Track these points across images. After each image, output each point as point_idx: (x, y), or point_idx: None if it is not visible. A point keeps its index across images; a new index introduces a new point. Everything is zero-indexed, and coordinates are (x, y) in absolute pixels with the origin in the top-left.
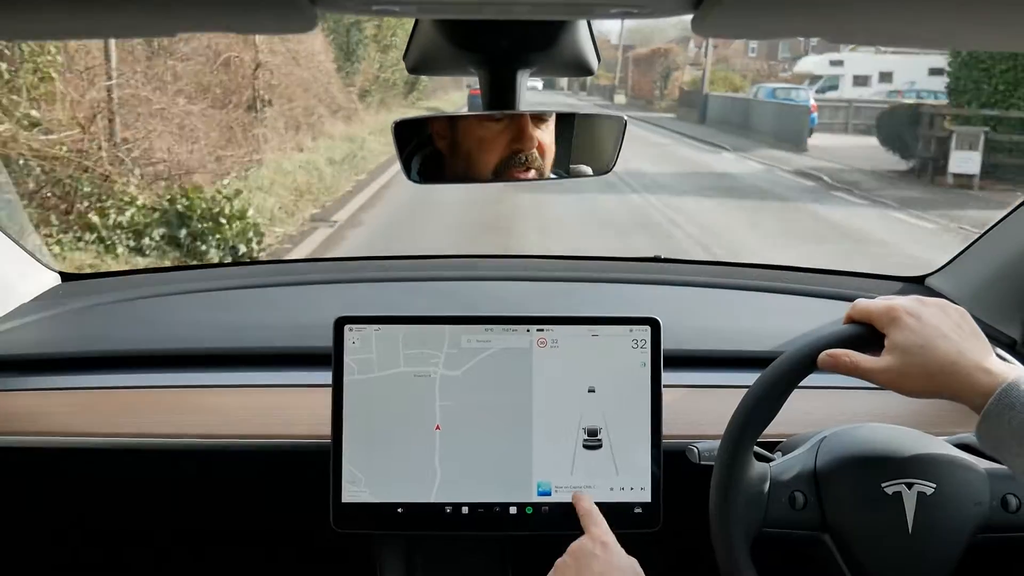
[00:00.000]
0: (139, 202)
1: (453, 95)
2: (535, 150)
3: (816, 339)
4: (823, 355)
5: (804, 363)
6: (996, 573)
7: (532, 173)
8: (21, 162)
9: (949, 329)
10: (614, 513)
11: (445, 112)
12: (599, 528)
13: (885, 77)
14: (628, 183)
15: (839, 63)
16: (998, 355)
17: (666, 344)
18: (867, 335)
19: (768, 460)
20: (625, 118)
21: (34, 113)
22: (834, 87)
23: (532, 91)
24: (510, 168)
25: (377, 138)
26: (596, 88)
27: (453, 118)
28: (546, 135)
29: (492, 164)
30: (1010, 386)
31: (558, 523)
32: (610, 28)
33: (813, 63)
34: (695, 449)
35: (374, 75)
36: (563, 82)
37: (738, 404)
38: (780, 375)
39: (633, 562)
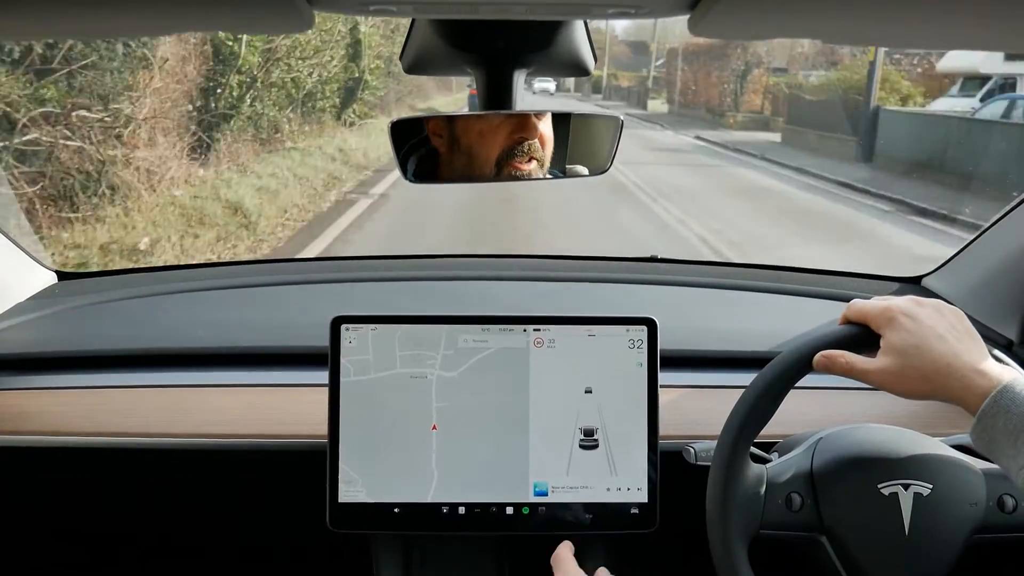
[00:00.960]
0: None
1: (437, 100)
2: (536, 140)
3: (811, 340)
4: (819, 356)
5: (800, 364)
6: (992, 573)
7: (533, 164)
8: None
9: (945, 330)
10: (611, 514)
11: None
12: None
13: None
14: None
15: (1018, 57)
16: (994, 356)
17: (663, 344)
18: (863, 336)
19: (765, 461)
20: (621, 118)
21: None
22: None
23: (543, 94)
24: (512, 159)
25: None
26: (616, 91)
27: (452, 116)
28: (546, 127)
29: (494, 156)
30: (1005, 388)
31: (555, 523)
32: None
33: (980, 60)
34: (691, 449)
35: (237, 85)
36: (569, 83)
37: (734, 405)
38: (776, 376)
39: None
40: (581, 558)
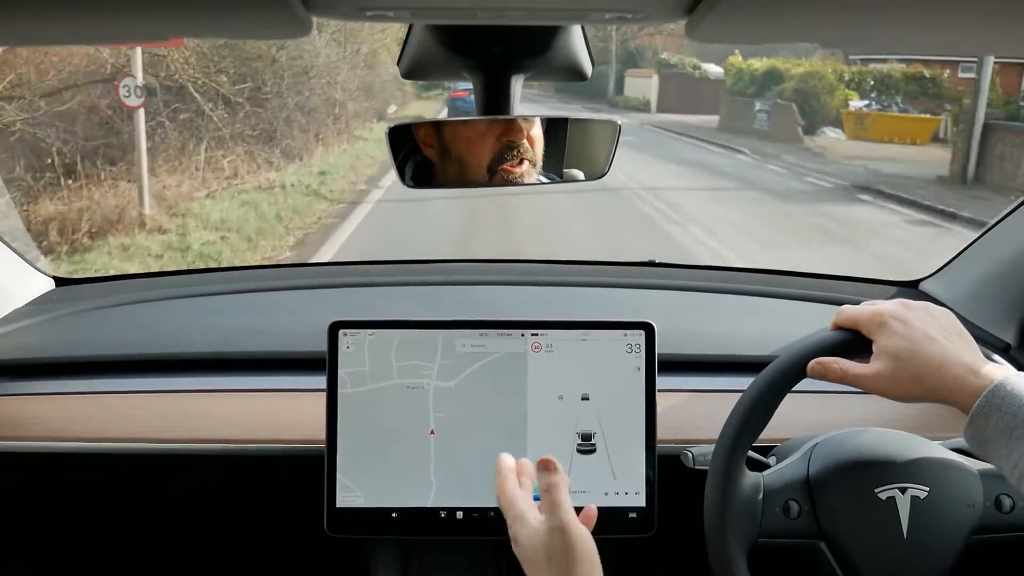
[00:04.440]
0: None
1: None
2: (526, 141)
3: (805, 347)
4: (813, 363)
5: (794, 371)
6: (992, 574)
7: (525, 166)
8: None
9: (936, 332)
10: (609, 518)
11: None
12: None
13: None
14: None
15: None
16: (986, 355)
17: (660, 348)
18: (855, 341)
19: (763, 466)
20: (619, 122)
21: None
22: None
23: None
24: (503, 163)
25: None
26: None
27: (439, 124)
28: (533, 128)
29: (485, 161)
30: (997, 386)
31: None
32: None
33: None
34: (689, 454)
35: None
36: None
37: (729, 414)
38: (769, 384)
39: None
40: None
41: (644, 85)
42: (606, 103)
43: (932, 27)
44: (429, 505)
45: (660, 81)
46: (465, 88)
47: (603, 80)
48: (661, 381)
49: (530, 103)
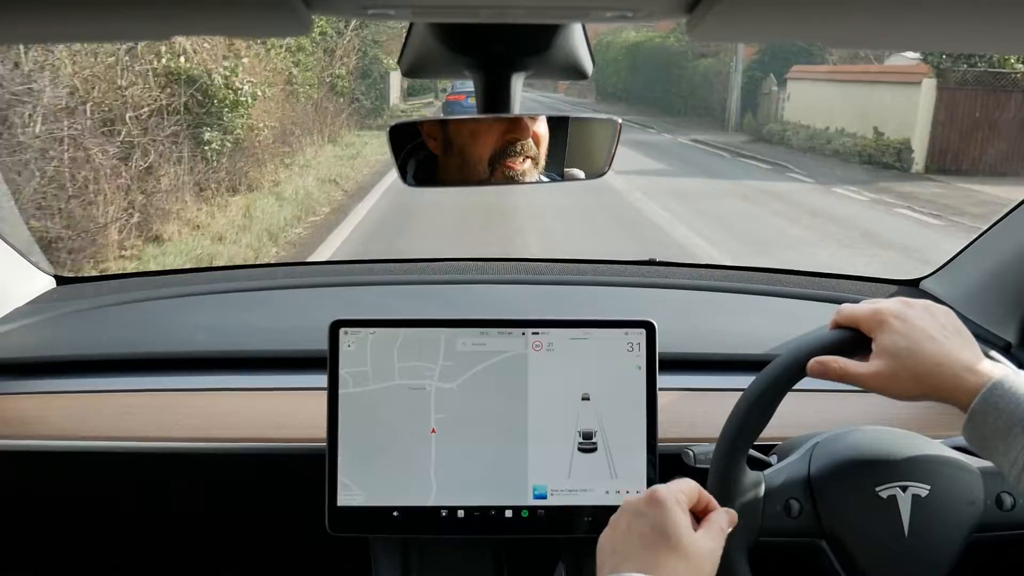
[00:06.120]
0: None
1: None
2: (530, 139)
3: (804, 346)
4: (812, 362)
5: (793, 370)
6: (993, 572)
7: (528, 164)
8: None
9: (935, 330)
10: (610, 516)
11: None
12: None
13: None
14: None
15: None
16: (985, 354)
17: (661, 347)
18: (855, 340)
19: (764, 465)
20: (619, 120)
21: None
22: None
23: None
24: (506, 158)
25: None
26: None
27: (445, 119)
28: (540, 127)
29: (487, 156)
30: (995, 385)
31: (553, 526)
32: None
33: None
34: (691, 452)
35: None
36: None
37: (729, 414)
38: (770, 383)
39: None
40: (579, 562)
41: (875, 103)
42: (744, 132)
43: (937, 25)
44: (430, 504)
45: (937, 97)
46: (462, 91)
47: (712, 87)
48: (662, 380)
49: None
